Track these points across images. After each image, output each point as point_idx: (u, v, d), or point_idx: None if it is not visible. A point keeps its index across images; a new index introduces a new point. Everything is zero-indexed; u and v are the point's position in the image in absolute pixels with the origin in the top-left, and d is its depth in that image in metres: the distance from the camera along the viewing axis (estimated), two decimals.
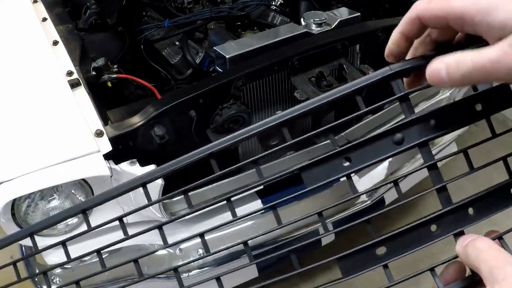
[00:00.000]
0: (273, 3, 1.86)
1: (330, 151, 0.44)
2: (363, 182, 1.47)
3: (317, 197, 1.41)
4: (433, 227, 0.42)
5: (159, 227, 0.48)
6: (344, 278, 0.43)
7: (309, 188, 0.44)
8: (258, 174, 0.44)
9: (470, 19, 0.39)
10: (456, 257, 0.42)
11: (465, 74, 0.38)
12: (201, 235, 0.48)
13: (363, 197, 1.45)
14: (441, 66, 0.40)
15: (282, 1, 1.89)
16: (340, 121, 0.45)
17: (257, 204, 1.38)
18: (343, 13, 1.57)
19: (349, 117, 0.46)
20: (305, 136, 0.45)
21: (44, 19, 1.43)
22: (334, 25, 1.48)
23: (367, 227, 0.44)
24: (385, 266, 0.43)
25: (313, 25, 1.47)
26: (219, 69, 1.39)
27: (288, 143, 0.45)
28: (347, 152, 0.44)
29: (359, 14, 1.56)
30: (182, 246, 1.30)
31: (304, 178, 0.44)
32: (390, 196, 1.55)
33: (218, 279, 0.47)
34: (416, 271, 0.43)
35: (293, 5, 1.86)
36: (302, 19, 1.51)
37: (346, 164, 0.43)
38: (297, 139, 0.45)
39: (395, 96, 0.43)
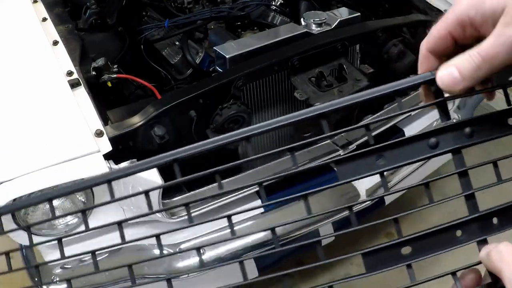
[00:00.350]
0: (273, 3, 1.87)
1: (367, 148, 0.44)
2: (363, 180, 1.47)
3: (318, 196, 1.41)
4: (458, 232, 0.43)
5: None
6: (367, 273, 0.44)
7: (342, 182, 0.45)
8: (293, 161, 0.45)
9: (467, 17, 0.42)
10: (478, 263, 0.43)
11: (477, 67, 0.41)
12: (229, 216, 0.47)
13: (363, 197, 1.45)
14: (451, 68, 0.42)
15: (282, 1, 1.89)
16: (377, 119, 0.46)
17: (257, 204, 1.37)
18: (343, 13, 1.57)
19: (384, 117, 0.46)
20: (342, 130, 0.46)
21: (44, 19, 1.43)
22: (334, 25, 1.48)
23: (395, 226, 0.45)
24: (409, 266, 0.44)
25: (313, 25, 1.47)
26: (219, 69, 1.39)
27: (326, 134, 0.45)
28: (382, 150, 0.44)
29: (359, 14, 1.56)
30: (182, 246, 1.30)
31: (338, 172, 0.45)
32: (390, 196, 1.55)
33: (241, 262, 0.47)
34: (437, 273, 0.44)
35: (293, 5, 1.86)
36: (302, 19, 1.51)
37: (381, 162, 0.44)
38: (335, 132, 0.45)
39: (434, 101, 0.45)
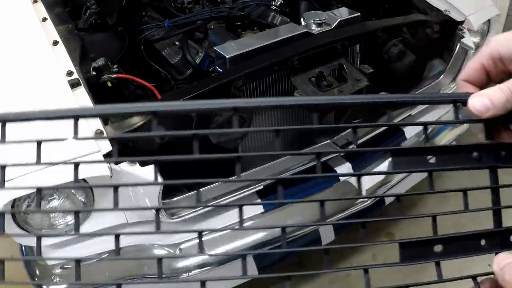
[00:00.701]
0: (273, 3, 1.87)
1: (421, 145, 0.48)
2: (363, 182, 1.47)
3: (319, 196, 1.41)
4: (483, 242, 0.48)
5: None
6: (400, 263, 0.47)
7: (395, 171, 0.48)
8: (354, 139, 0.46)
9: (498, 53, 0.49)
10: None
11: (506, 99, 0.46)
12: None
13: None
14: (483, 96, 0.47)
15: (282, 1, 1.89)
16: (438, 121, 0.50)
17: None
18: (343, 13, 1.57)
19: (443, 120, 0.51)
20: (401, 123, 0.48)
21: (44, 19, 1.43)
22: (334, 25, 1.48)
23: (432, 224, 0.48)
24: (437, 264, 0.47)
25: (313, 25, 1.47)
26: (219, 69, 1.39)
27: (391, 123, 0.49)
28: (434, 151, 0.48)
29: (359, 14, 1.56)
30: (182, 246, 1.30)
31: (393, 161, 0.48)
32: (390, 196, 1.55)
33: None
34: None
35: (293, 5, 1.86)
36: (302, 19, 1.51)
37: (432, 161, 0.48)
38: (397, 123, 0.48)
39: (482, 119, 0.48)
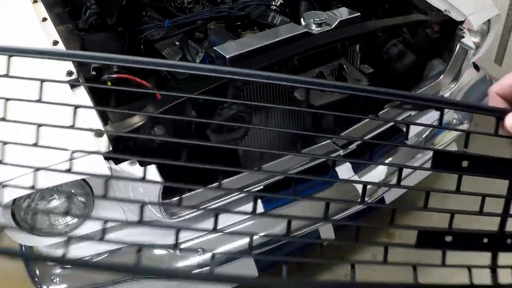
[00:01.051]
0: (273, 3, 1.87)
1: (457, 150, 0.51)
2: (363, 180, 1.47)
3: (319, 196, 1.41)
4: (485, 240, 0.52)
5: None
6: (416, 246, 0.52)
7: (435, 170, 0.53)
8: (405, 139, 0.50)
9: None
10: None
11: None
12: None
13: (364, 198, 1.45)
14: None
15: (282, 1, 1.89)
16: (478, 131, 0.53)
17: (257, 204, 1.37)
18: (343, 13, 1.57)
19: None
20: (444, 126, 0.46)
21: (44, 19, 1.43)
22: (334, 25, 1.48)
23: (450, 217, 0.53)
24: (444, 252, 0.52)
25: (313, 25, 1.47)
26: None
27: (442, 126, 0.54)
28: (470, 158, 0.52)
29: (359, 14, 1.56)
30: (182, 246, 1.30)
31: (433, 159, 0.52)
32: (390, 196, 1.55)
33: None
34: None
35: (293, 5, 1.86)
36: (302, 19, 1.51)
37: (465, 165, 0.52)
38: (444, 126, 0.48)
39: None
